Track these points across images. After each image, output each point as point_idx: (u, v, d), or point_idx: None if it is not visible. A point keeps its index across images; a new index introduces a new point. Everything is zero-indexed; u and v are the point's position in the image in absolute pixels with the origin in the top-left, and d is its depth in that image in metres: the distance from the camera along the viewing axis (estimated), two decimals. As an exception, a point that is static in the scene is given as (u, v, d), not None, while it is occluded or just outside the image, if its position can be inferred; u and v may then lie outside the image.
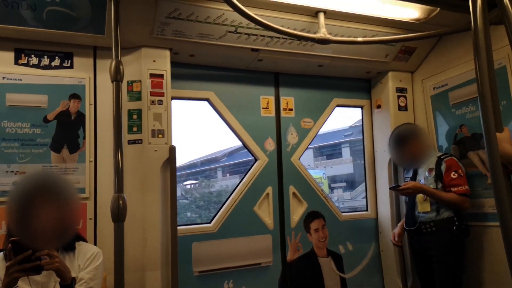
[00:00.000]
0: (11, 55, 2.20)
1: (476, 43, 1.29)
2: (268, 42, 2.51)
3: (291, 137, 2.96)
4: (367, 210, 3.17)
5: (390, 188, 2.80)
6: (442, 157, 2.59)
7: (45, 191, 1.54)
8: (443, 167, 2.54)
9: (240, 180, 2.88)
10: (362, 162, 3.27)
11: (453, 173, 2.49)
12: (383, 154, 3.04)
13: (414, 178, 2.67)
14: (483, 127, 1.23)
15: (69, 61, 2.31)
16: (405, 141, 2.53)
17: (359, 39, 2.39)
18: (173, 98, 2.49)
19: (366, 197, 3.19)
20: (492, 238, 2.48)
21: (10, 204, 1.52)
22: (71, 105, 2.29)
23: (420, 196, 2.58)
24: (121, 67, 1.70)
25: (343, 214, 3.06)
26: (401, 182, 2.91)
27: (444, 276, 2.45)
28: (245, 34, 2.42)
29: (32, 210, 1.48)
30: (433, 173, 2.56)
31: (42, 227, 1.49)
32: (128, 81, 2.34)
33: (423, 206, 2.56)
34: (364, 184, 3.24)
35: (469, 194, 2.47)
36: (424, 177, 2.60)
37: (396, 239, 2.73)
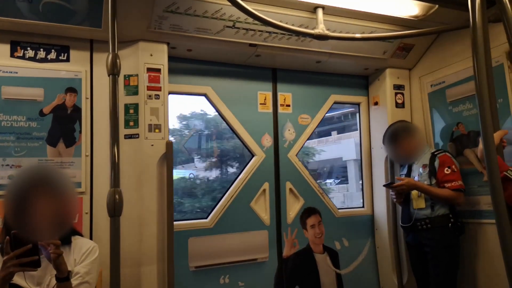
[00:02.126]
0: (7, 48, 2.18)
1: (474, 40, 1.29)
2: (266, 37, 2.50)
3: (288, 133, 2.96)
4: (363, 206, 3.18)
5: (384, 186, 2.81)
6: (435, 153, 2.61)
7: (42, 185, 1.54)
8: (436, 163, 2.55)
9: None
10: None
11: (446, 168, 2.51)
12: (380, 151, 3.04)
13: (408, 174, 2.69)
14: (480, 124, 1.24)
15: (66, 54, 2.29)
16: (399, 138, 2.63)
17: (358, 35, 2.39)
18: (170, 92, 2.48)
19: (362, 193, 3.20)
20: (487, 235, 2.50)
21: (7, 197, 1.52)
22: (67, 98, 2.27)
23: (414, 193, 2.59)
24: (118, 60, 1.69)
25: (339, 210, 3.07)
26: (396, 179, 2.92)
27: (439, 272, 2.46)
28: (243, 29, 2.41)
29: (29, 204, 1.48)
30: (427, 169, 2.58)
31: (38, 220, 1.49)
32: (125, 75, 2.33)
33: (417, 203, 2.58)
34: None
35: (463, 189, 2.49)
36: (418, 173, 2.61)
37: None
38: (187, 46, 2.49)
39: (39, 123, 2.20)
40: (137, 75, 2.35)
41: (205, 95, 2.74)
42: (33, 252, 1.48)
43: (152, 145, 2.32)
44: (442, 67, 2.80)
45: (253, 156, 2.85)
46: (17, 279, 1.61)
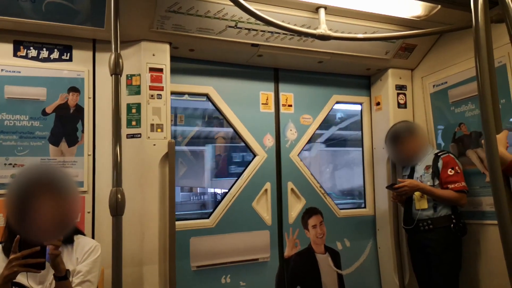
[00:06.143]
0: (9, 47, 2.19)
1: (477, 41, 1.28)
2: (268, 37, 2.50)
3: (290, 133, 2.96)
4: (365, 207, 3.18)
5: (386, 187, 2.80)
6: (439, 154, 2.60)
7: (45, 184, 1.54)
8: (439, 164, 2.55)
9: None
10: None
11: (449, 170, 2.50)
12: (382, 151, 3.04)
13: (411, 175, 2.68)
14: (482, 125, 1.23)
15: (68, 54, 2.30)
16: (401, 139, 2.62)
17: (360, 35, 2.39)
18: (172, 93, 2.49)
19: (364, 194, 3.19)
20: (489, 236, 2.49)
21: (9, 196, 1.52)
22: (69, 98, 2.28)
23: (417, 194, 2.58)
24: (120, 60, 1.69)
25: (341, 210, 3.07)
26: (399, 179, 2.91)
27: (440, 273, 2.46)
28: (245, 29, 2.41)
29: (31, 203, 1.48)
30: (430, 170, 2.57)
31: (40, 220, 1.49)
32: (127, 75, 2.34)
33: (420, 204, 2.57)
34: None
35: (466, 190, 2.48)
36: (421, 174, 2.61)
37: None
38: (189, 46, 2.50)
39: (41, 122, 2.21)
40: (139, 74, 2.35)
41: (207, 95, 2.74)
42: (40, 254, 1.49)
43: (154, 144, 2.33)
44: (444, 67, 2.80)
45: (255, 156, 2.85)
46: (19, 277, 1.62)
